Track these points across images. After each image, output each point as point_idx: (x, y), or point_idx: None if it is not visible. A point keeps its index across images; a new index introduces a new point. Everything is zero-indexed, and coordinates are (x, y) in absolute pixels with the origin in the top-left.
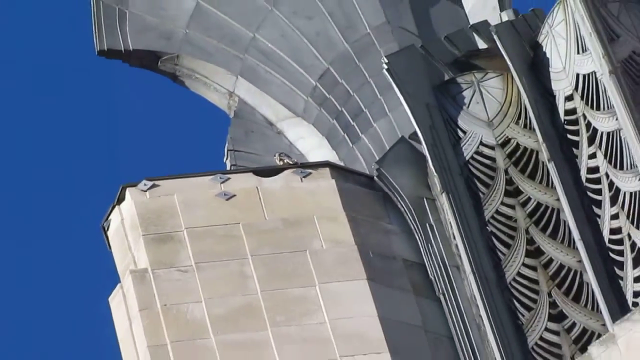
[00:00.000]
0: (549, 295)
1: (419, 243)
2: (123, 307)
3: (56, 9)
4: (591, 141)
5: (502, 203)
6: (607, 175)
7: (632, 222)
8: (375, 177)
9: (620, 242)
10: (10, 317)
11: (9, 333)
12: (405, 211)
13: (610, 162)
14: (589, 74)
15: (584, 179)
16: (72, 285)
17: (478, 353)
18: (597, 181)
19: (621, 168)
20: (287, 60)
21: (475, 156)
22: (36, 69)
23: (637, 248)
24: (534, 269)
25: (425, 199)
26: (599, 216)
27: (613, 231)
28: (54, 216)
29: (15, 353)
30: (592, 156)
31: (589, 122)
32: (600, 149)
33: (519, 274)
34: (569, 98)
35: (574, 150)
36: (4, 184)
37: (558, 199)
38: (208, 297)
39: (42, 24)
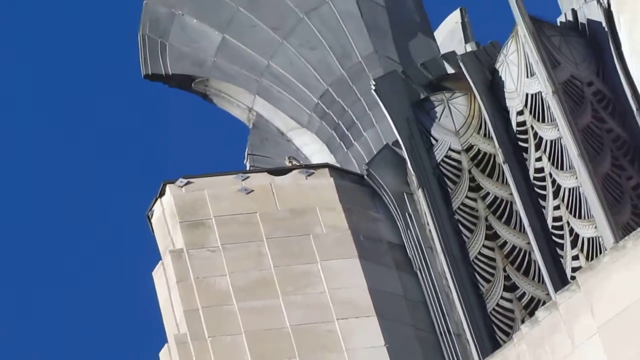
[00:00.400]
0: (504, 270)
1: (400, 228)
2: (164, 279)
3: (112, 42)
4: (538, 147)
5: (467, 197)
6: (551, 175)
7: (571, 212)
8: (365, 176)
9: (561, 228)
10: (76, 287)
11: (76, 300)
12: (389, 203)
13: (553, 164)
14: (536, 94)
15: (532, 178)
16: (123, 263)
17: (447, 316)
18: (543, 179)
19: (562, 169)
20: (294, 83)
21: (445, 159)
22: (95, 92)
23: (574, 233)
24: (492, 249)
25: (405, 194)
26: (544, 207)
27: (555, 219)
28: (111, 208)
29: (77, 316)
30: (539, 159)
31: (536, 132)
32: (545, 153)
33: (479, 253)
34: (520, 113)
35: (524, 154)
36: (73, 182)
37: (511, 194)
38: (232, 271)
39: (100, 53)
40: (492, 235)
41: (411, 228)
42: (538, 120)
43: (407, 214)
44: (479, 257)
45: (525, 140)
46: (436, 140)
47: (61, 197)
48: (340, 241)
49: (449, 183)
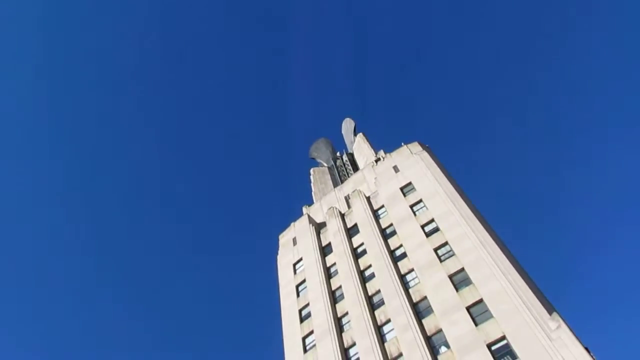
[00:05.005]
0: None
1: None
2: (312, 183)
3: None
4: (350, 165)
5: (339, 169)
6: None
7: (353, 167)
8: (329, 168)
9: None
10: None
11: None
12: (332, 171)
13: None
14: (348, 159)
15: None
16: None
17: (334, 181)
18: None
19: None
20: (323, 164)
21: (338, 166)
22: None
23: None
24: (344, 179)
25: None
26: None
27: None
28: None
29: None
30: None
31: (352, 163)
32: (347, 162)
33: (340, 182)
34: (347, 162)
35: (361, 164)
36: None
37: (360, 169)
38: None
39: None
40: (343, 177)
41: (336, 172)
42: (351, 162)
43: (334, 172)
44: (342, 185)
45: (355, 164)
46: (336, 163)
47: None
48: (326, 174)
49: (337, 171)
